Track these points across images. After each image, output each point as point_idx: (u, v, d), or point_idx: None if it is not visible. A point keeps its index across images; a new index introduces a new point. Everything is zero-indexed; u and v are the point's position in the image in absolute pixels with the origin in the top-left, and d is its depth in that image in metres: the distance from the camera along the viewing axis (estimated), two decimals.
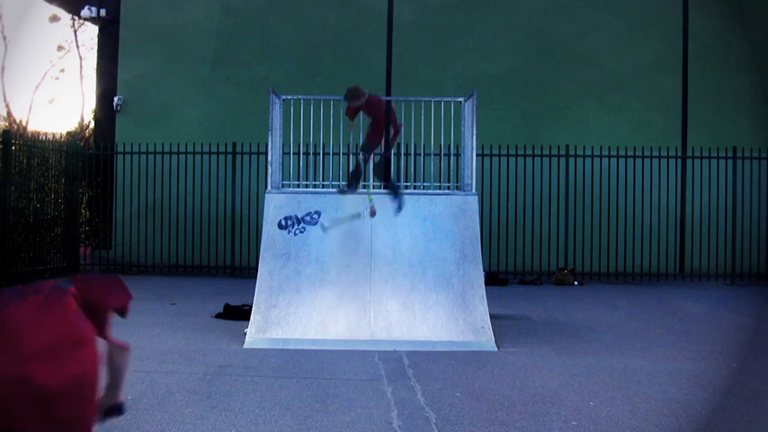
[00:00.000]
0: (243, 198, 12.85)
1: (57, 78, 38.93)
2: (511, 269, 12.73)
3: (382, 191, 8.21)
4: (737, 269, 12.55)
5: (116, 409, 2.72)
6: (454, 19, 13.90)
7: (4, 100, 29.00)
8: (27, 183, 11.55)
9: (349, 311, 7.15)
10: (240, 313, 8.21)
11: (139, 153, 12.93)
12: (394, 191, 7.65)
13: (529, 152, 12.73)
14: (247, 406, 4.83)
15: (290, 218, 7.61)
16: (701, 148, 12.70)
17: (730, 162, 12.57)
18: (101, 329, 2.44)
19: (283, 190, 8.04)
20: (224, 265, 12.93)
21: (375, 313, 7.09)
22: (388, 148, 7.96)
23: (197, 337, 7.20)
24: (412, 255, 7.45)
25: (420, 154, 10.73)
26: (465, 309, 7.13)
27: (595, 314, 9.04)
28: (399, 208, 7.51)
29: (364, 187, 9.28)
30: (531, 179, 12.73)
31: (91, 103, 21.29)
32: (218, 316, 8.41)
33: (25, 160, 11.48)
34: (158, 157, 12.96)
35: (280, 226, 7.57)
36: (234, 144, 12.82)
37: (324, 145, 9.52)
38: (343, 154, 8.84)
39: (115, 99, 13.90)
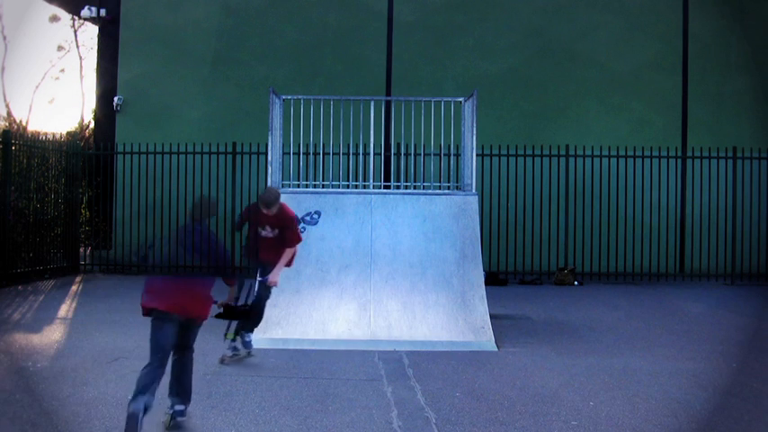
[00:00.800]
0: (243, 198, 12.83)
1: (57, 78, 38.97)
2: (511, 269, 12.73)
3: (383, 191, 8.22)
4: (737, 269, 12.55)
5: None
6: (454, 19, 13.89)
7: (4, 100, 29.04)
8: (27, 183, 11.54)
9: (349, 311, 7.15)
10: (240, 313, 8.19)
11: (139, 153, 12.92)
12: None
13: (529, 152, 12.72)
14: (247, 406, 4.84)
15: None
16: (701, 148, 12.69)
17: (730, 162, 12.57)
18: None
19: (283, 190, 8.04)
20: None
21: (375, 313, 7.09)
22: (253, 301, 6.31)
23: (197, 336, 7.18)
24: (412, 255, 7.46)
25: (420, 154, 10.73)
26: (465, 309, 7.14)
27: (595, 314, 9.04)
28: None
29: (365, 187, 9.30)
30: (531, 179, 12.72)
31: (91, 103, 21.31)
32: (219, 316, 8.38)
33: (25, 160, 11.47)
34: (158, 157, 12.95)
35: None
36: (234, 144, 12.81)
37: (324, 145, 9.53)
38: (343, 154, 8.84)
39: (115, 99, 13.90)
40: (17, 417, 4.51)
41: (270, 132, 7.92)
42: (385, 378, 5.64)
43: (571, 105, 13.80)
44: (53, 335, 7.25)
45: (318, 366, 6.01)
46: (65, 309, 9.00)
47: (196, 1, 14.07)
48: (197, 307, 4.61)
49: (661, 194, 12.84)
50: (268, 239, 6.64)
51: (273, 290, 7.24)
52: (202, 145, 12.82)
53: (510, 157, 12.70)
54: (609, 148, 12.77)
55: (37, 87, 49.15)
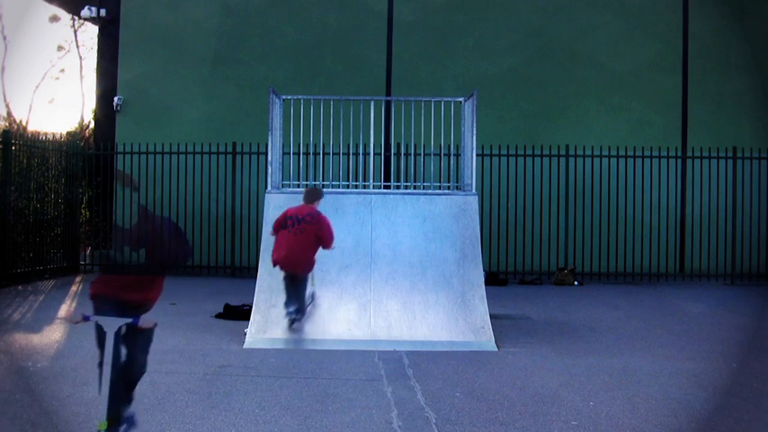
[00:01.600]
0: (243, 198, 12.85)
1: (57, 78, 38.99)
2: (511, 269, 12.73)
3: (383, 191, 8.22)
4: (737, 269, 12.55)
5: None
6: (454, 19, 13.90)
7: (4, 100, 29.06)
8: (27, 183, 11.55)
9: (349, 311, 7.15)
10: (240, 313, 8.21)
11: (139, 153, 12.93)
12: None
13: (529, 152, 12.73)
14: (247, 406, 4.84)
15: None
16: (701, 148, 12.70)
17: (730, 162, 12.58)
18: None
19: (283, 190, 8.05)
20: (224, 265, 12.93)
21: (375, 313, 7.09)
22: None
23: (197, 337, 7.19)
24: (412, 255, 7.46)
25: (420, 154, 10.74)
26: (465, 309, 7.14)
27: (595, 314, 9.04)
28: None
29: (365, 187, 9.30)
30: (531, 179, 12.73)
31: (91, 103, 21.32)
32: (218, 316, 8.42)
33: (25, 160, 11.48)
34: (158, 157, 12.96)
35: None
36: (234, 144, 12.82)
37: (324, 145, 9.53)
38: (343, 154, 8.84)
39: (115, 99, 13.90)
40: (17, 417, 4.51)
41: (270, 132, 7.92)
42: (385, 378, 5.64)
43: (571, 105, 13.80)
44: (53, 335, 7.25)
45: (318, 366, 6.01)
46: (65, 309, 9.01)
47: (196, 1, 14.07)
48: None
49: (661, 194, 12.84)
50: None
51: (273, 290, 7.26)
52: (202, 145, 12.82)
53: (510, 157, 12.71)
54: (609, 148, 12.77)
55: (37, 87, 49.19)
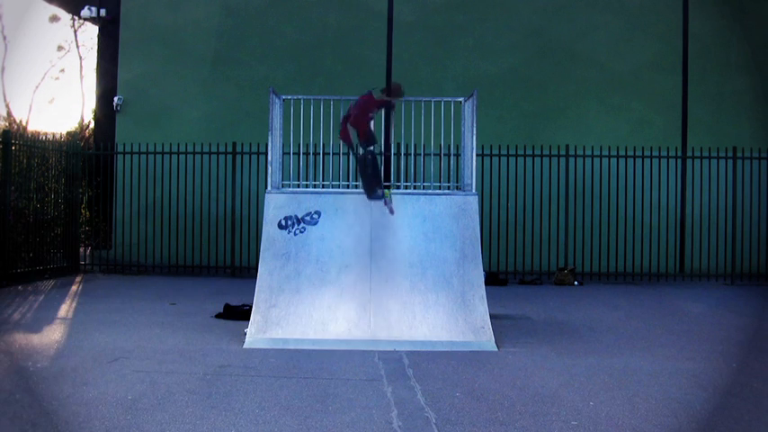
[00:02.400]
0: (243, 198, 12.85)
1: (57, 78, 39.05)
2: (511, 269, 12.73)
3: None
4: (737, 269, 12.56)
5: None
6: (454, 19, 13.90)
7: (4, 100, 29.06)
8: (27, 183, 11.55)
9: (349, 311, 7.15)
10: (240, 313, 8.21)
11: (139, 153, 12.93)
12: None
13: (529, 152, 12.73)
14: (247, 406, 4.83)
15: (290, 218, 7.61)
16: (701, 148, 12.70)
17: (730, 162, 12.58)
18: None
19: (283, 190, 8.04)
20: (224, 265, 12.93)
21: (375, 313, 7.09)
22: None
23: (197, 337, 7.20)
24: (412, 255, 7.45)
25: (420, 154, 10.73)
26: (465, 309, 7.13)
27: (595, 314, 9.04)
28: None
29: None
30: (531, 179, 12.73)
31: (91, 103, 21.34)
32: (218, 316, 8.42)
33: (25, 160, 11.48)
34: (158, 157, 12.96)
35: (280, 226, 7.57)
36: (234, 144, 12.82)
37: (324, 145, 9.51)
38: (343, 154, 8.83)
39: (115, 99, 13.91)
40: (17, 417, 4.51)
41: (270, 132, 7.91)
42: (385, 378, 5.64)
43: (571, 105, 13.80)
44: (53, 335, 7.25)
45: (318, 366, 6.01)
46: (65, 309, 9.01)
47: (196, 1, 14.08)
48: None
49: (661, 194, 12.85)
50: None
51: (273, 290, 7.25)
52: (202, 145, 12.82)
53: (510, 157, 12.71)
54: (609, 148, 12.77)
55: (37, 87, 49.23)
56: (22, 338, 7.03)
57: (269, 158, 7.94)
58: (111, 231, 13.44)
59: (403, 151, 12.17)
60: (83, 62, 30.56)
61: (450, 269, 7.36)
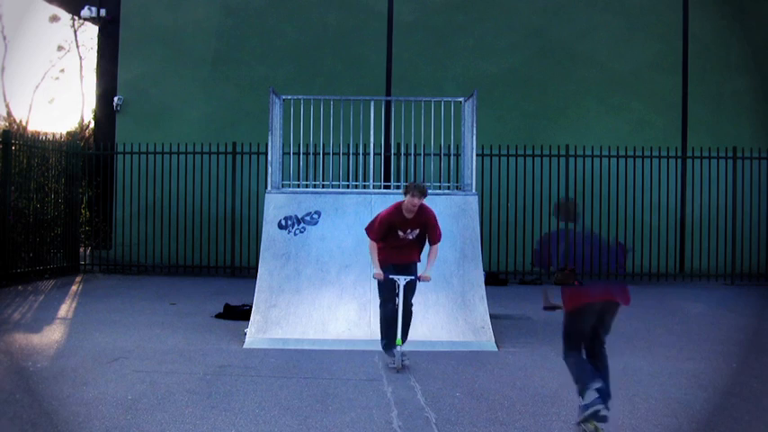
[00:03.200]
0: (243, 198, 12.84)
1: (57, 78, 39.04)
2: (511, 269, 12.73)
3: (383, 191, 8.21)
4: (737, 269, 12.55)
5: None
6: (454, 19, 13.89)
7: (4, 100, 29.06)
8: (27, 183, 11.54)
9: (349, 311, 7.15)
10: (240, 313, 8.21)
11: (139, 153, 12.93)
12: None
13: (529, 152, 12.72)
14: (247, 406, 4.83)
15: (290, 218, 7.62)
16: (701, 148, 12.69)
17: (730, 162, 12.57)
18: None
19: (283, 190, 8.04)
20: (224, 265, 12.93)
21: (375, 313, 7.08)
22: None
23: (197, 337, 7.19)
24: None
25: (420, 154, 10.73)
26: (465, 309, 7.14)
27: None
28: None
29: (365, 187, 9.29)
30: (531, 179, 12.72)
31: (91, 103, 21.33)
32: (218, 316, 8.42)
33: (25, 160, 11.48)
34: (158, 157, 12.96)
35: (280, 226, 7.58)
36: (234, 144, 12.81)
37: (324, 145, 9.52)
38: (343, 154, 8.83)
39: (115, 99, 13.90)
40: (17, 417, 4.51)
41: (270, 132, 7.92)
42: (385, 378, 5.64)
43: (571, 105, 13.80)
44: (53, 335, 7.25)
45: (318, 366, 6.01)
46: (65, 309, 9.00)
47: (196, 1, 14.08)
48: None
49: (661, 194, 12.84)
50: (407, 241, 6.40)
51: (273, 290, 7.26)
52: (202, 145, 12.82)
53: (510, 157, 12.70)
54: (609, 148, 12.76)
55: (37, 87, 49.24)
56: (22, 338, 7.03)
57: (269, 158, 7.95)
58: (111, 231, 13.43)
59: (403, 151, 12.18)
60: (83, 62, 30.58)
61: (450, 269, 7.37)
